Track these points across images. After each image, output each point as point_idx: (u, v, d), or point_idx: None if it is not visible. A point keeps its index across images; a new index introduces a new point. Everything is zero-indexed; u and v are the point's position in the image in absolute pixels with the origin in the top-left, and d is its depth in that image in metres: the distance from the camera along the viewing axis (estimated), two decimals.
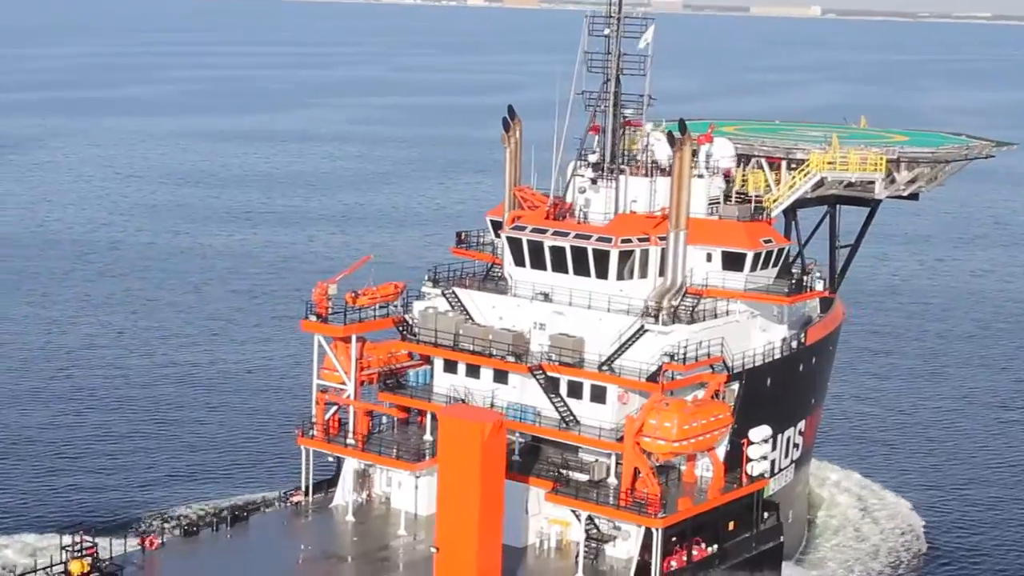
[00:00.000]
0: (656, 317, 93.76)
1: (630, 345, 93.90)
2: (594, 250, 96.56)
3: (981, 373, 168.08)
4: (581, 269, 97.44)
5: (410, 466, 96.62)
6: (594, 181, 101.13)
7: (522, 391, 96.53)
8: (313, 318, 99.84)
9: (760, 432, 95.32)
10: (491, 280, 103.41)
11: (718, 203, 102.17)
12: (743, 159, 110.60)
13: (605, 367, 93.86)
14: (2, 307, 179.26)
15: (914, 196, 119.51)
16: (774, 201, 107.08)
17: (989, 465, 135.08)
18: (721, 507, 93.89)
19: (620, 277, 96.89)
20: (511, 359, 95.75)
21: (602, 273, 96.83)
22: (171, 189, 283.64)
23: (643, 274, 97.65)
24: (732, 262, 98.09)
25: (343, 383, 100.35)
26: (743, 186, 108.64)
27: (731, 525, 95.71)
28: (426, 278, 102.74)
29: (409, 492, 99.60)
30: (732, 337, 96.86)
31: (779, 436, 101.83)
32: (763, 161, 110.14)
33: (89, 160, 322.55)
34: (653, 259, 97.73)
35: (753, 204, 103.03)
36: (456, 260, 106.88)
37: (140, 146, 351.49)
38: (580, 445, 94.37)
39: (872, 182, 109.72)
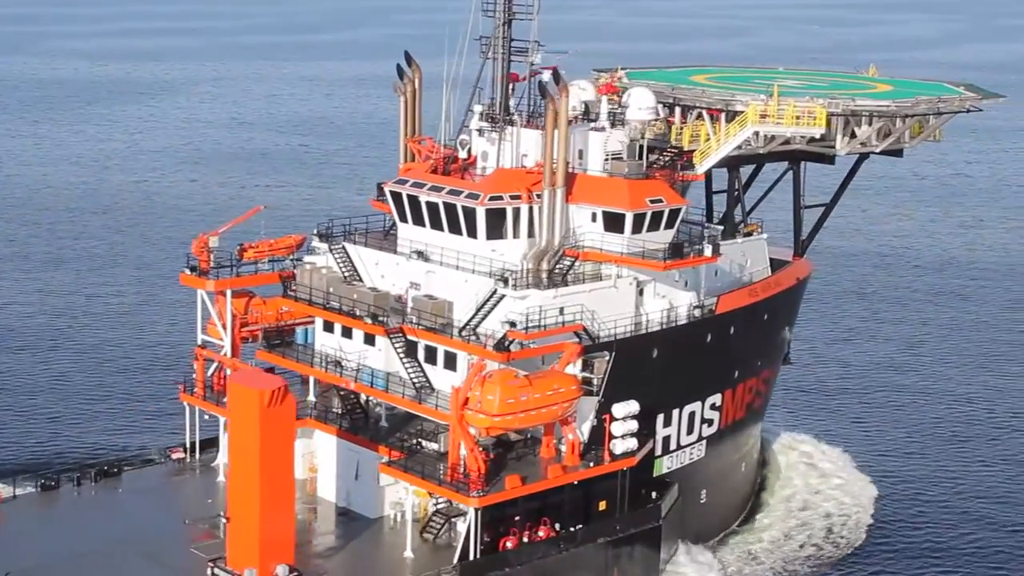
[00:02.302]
0: (506, 281, 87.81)
1: (492, 310, 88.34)
2: (463, 207, 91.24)
3: (958, 337, 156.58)
4: (454, 227, 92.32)
5: None
6: (480, 132, 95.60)
7: (388, 354, 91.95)
8: (188, 271, 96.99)
9: (624, 408, 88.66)
10: (391, 236, 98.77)
11: (620, 159, 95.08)
12: (688, 110, 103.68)
13: (468, 332, 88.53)
14: None
15: (897, 152, 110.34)
16: (702, 156, 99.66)
17: (958, 439, 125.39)
18: (579, 485, 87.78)
19: (492, 236, 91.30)
20: (368, 320, 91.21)
21: (472, 232, 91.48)
22: (267, 137, 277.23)
23: (516, 234, 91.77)
24: (612, 223, 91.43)
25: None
26: (678, 139, 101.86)
27: (601, 505, 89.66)
28: (314, 232, 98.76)
29: None
30: (606, 304, 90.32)
31: (678, 411, 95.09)
32: (705, 113, 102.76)
33: (219, 107, 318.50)
34: (529, 218, 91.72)
35: (642, 159, 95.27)
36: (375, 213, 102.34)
37: (283, 93, 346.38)
38: (418, 414, 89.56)
39: (816, 138, 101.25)
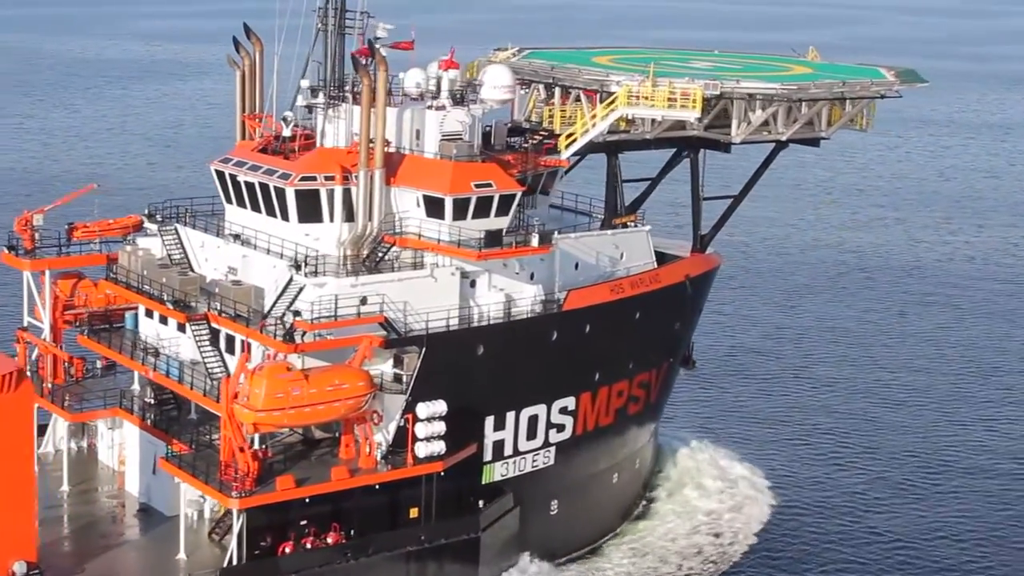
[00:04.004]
0: (299, 267, 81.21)
1: (296, 297, 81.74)
2: (274, 188, 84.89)
3: (882, 339, 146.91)
4: (270, 209, 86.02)
5: (70, 416, 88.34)
6: (310, 109, 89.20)
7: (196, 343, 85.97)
8: (6, 250, 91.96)
9: (429, 408, 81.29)
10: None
11: (456, 139, 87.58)
12: (566, 91, 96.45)
13: (273, 321, 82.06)
14: None
15: (813, 142, 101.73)
16: (569, 139, 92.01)
17: (869, 449, 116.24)
18: (383, 490, 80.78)
19: (305, 219, 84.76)
20: (170, 306, 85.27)
21: (284, 214, 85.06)
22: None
23: (332, 217, 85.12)
24: (433, 208, 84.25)
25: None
26: (550, 121, 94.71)
27: (412, 512, 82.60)
28: (146, 212, 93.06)
29: (107, 443, 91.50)
30: (423, 295, 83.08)
31: (513, 414, 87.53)
32: (582, 94, 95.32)
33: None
34: (346, 201, 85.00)
35: (472, 143, 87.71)
36: None
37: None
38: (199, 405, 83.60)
39: (692, 122, 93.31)
